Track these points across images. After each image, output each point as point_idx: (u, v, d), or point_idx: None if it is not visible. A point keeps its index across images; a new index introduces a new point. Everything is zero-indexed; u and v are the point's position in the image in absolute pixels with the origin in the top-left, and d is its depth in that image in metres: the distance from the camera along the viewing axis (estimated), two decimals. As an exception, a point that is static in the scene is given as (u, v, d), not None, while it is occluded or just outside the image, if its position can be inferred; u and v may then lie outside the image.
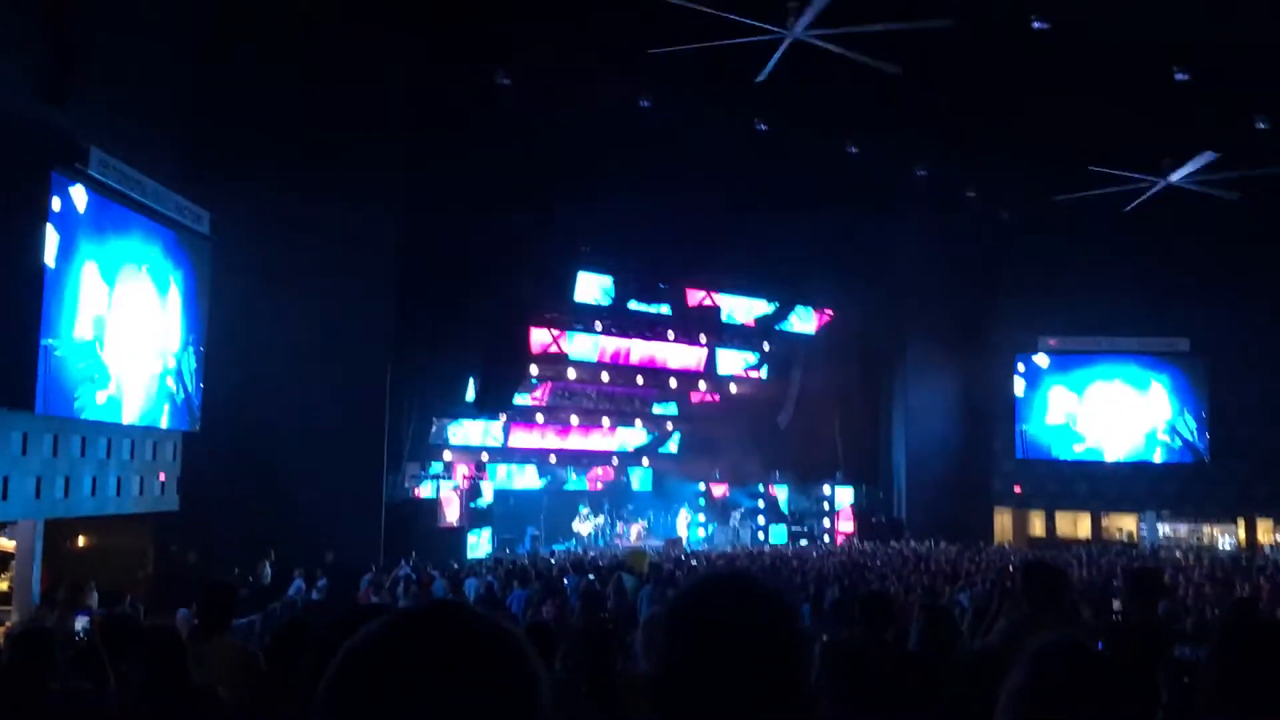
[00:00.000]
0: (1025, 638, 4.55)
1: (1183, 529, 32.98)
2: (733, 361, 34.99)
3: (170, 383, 20.32)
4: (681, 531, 33.69)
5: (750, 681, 1.70)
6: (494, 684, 1.23)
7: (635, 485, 36.04)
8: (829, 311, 34.48)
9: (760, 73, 19.75)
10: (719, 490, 35.18)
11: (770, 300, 34.01)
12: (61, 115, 16.64)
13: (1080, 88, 22.27)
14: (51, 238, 16.05)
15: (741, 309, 33.97)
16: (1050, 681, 2.04)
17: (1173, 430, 34.43)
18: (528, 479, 33.19)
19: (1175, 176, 25.03)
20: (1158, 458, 34.44)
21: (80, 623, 11.75)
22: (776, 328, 34.50)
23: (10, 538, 18.82)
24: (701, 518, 34.88)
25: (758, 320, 34.36)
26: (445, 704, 1.20)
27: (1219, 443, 33.44)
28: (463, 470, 29.43)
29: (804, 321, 34.73)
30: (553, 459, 33.60)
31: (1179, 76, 21.36)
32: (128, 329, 18.73)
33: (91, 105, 17.34)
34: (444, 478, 28.71)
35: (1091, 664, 2.00)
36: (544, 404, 33.08)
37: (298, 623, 4.57)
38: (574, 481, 34.46)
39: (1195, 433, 34.24)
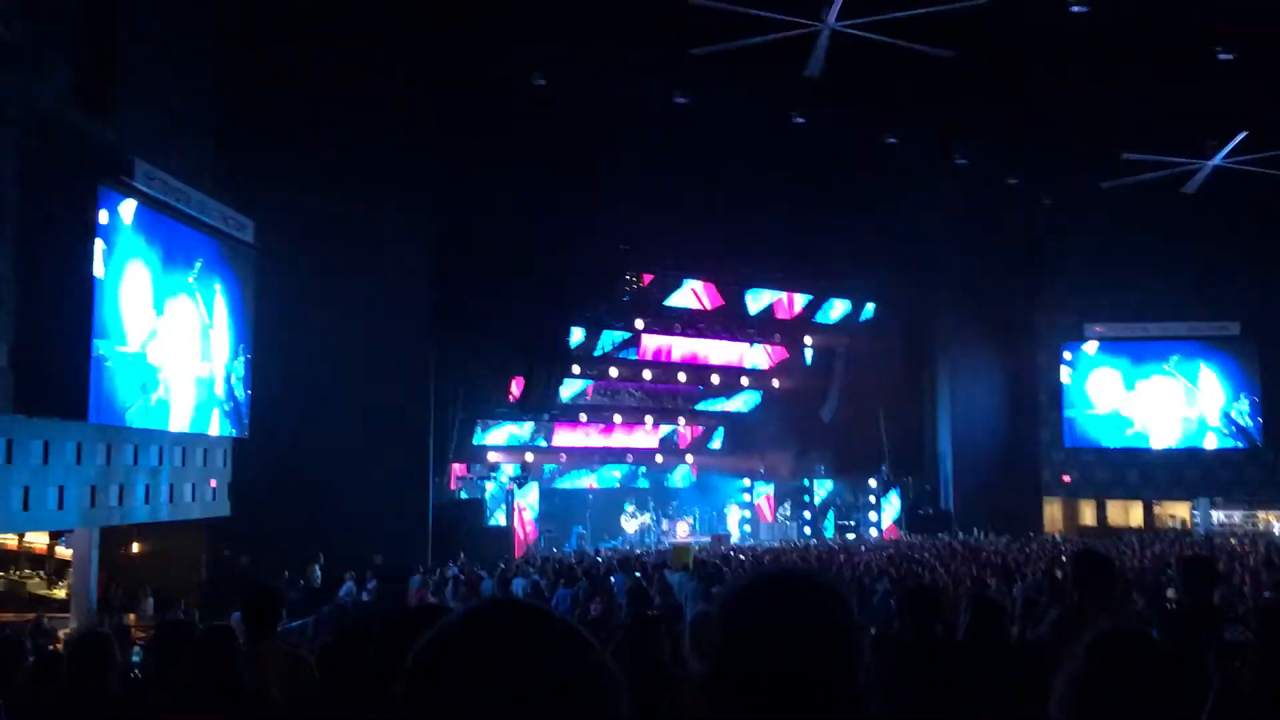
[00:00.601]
0: (1076, 628, 4.51)
1: (1237, 515, 32.45)
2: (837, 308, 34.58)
3: (219, 390, 20.57)
4: (732, 528, 33.70)
5: (805, 678, 1.69)
6: (586, 687, 1.24)
7: (678, 482, 36.07)
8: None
9: (808, 66, 19.62)
10: (762, 487, 35.13)
11: (809, 293, 33.85)
12: (106, 129, 16.91)
13: (1120, 70, 21.97)
14: (100, 250, 16.30)
15: (784, 302, 33.84)
16: (1107, 670, 2.03)
17: (1225, 416, 33.89)
18: (574, 477, 33.32)
19: (1219, 158, 24.63)
20: (1210, 444, 33.90)
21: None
22: (816, 320, 34.31)
23: (67, 546, 19.16)
24: (748, 514, 34.85)
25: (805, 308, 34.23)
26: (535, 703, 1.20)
27: (1272, 427, 32.89)
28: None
29: (852, 313, 34.50)
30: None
31: (1222, 56, 21.01)
32: (176, 338, 18.99)
33: (135, 118, 17.62)
34: (490, 478, 28.91)
35: (1147, 653, 1.99)
36: (589, 401, 33.21)
37: (350, 625, 4.61)
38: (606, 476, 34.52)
39: (1248, 417, 33.69)
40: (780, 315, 34.07)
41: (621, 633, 5.62)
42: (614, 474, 34.72)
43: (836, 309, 34.33)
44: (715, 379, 34.19)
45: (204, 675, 4.52)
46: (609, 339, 31.64)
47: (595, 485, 34.17)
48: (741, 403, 35.79)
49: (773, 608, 1.74)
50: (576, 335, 30.62)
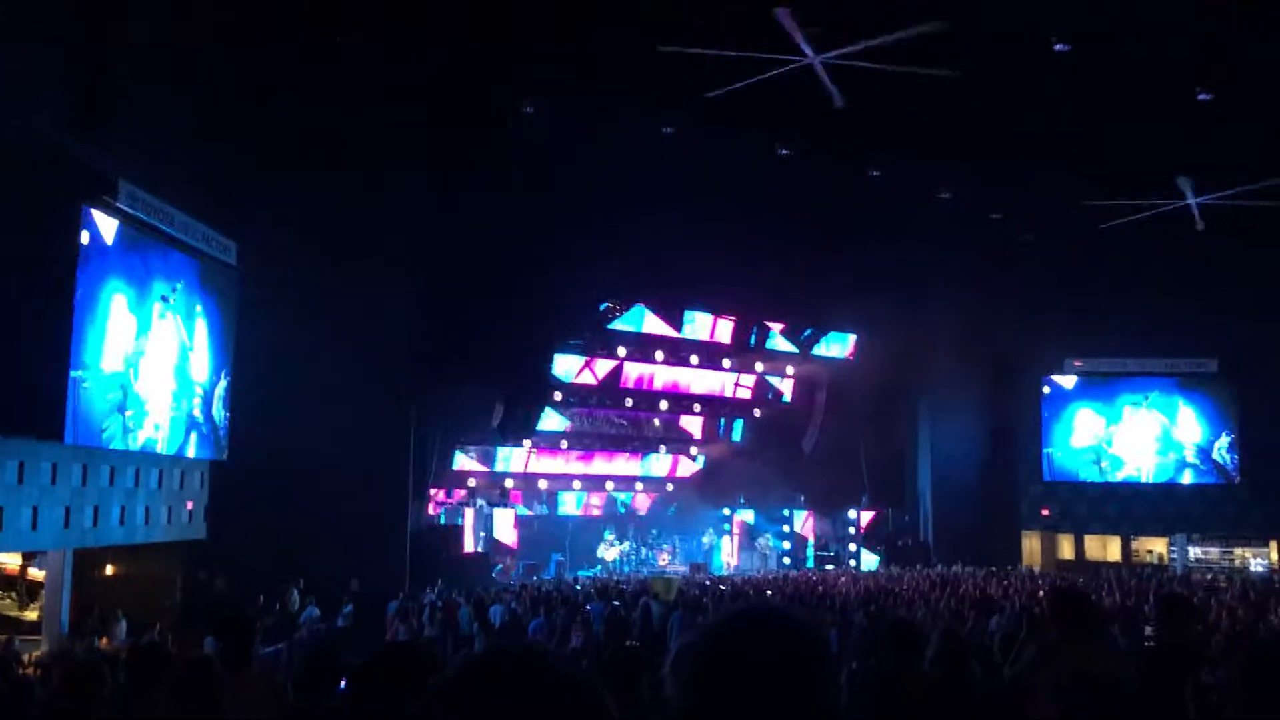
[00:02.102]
0: (1053, 665, 4.52)
1: (1214, 551, 32.59)
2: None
3: (197, 412, 20.46)
4: (728, 559, 33.76)
5: (779, 717, 1.69)
6: None
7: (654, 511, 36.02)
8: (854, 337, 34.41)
9: (833, 98, 19.70)
10: (742, 516, 35.10)
11: (794, 325, 33.92)
12: (91, 149, 16.86)
13: (1103, 108, 22.19)
14: (81, 270, 16.22)
15: (766, 333, 33.89)
16: (1078, 716, 2.03)
17: (1203, 452, 34.13)
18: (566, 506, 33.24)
19: (1197, 197, 24.89)
20: (1187, 479, 34.13)
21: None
22: (808, 353, 34.38)
23: (40, 567, 18.96)
24: (728, 543, 34.80)
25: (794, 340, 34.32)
26: None
27: (1249, 464, 33.14)
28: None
29: (836, 345, 34.54)
30: (577, 484, 33.66)
31: (1202, 96, 21.28)
32: (156, 359, 18.89)
33: (120, 138, 17.58)
34: (468, 504, 28.79)
35: (1116, 697, 2.00)
36: (570, 429, 33.13)
37: (325, 653, 4.58)
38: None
39: (1225, 454, 33.94)
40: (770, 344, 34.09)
41: (601, 664, 5.60)
42: (593, 502, 34.62)
43: (820, 344, 34.36)
44: (697, 408, 34.18)
45: (186, 705, 4.47)
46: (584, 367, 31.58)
47: (574, 511, 34.07)
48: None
49: (747, 647, 1.74)
50: (565, 364, 30.58)
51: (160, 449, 19.26)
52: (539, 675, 1.32)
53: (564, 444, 32.93)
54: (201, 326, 20.53)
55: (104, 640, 16.85)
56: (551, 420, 32.04)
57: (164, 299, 19.15)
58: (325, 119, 21.36)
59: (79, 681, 4.69)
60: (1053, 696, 2.12)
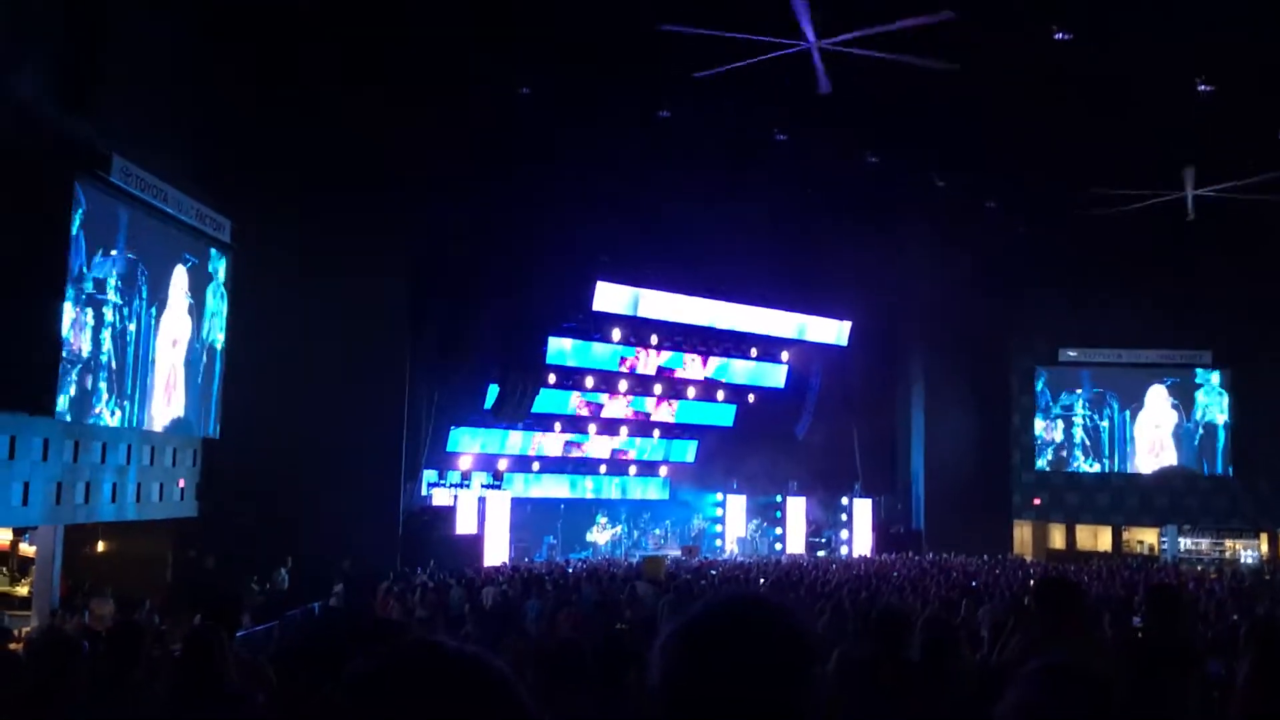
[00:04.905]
0: (1038, 654, 4.51)
1: (1204, 542, 32.72)
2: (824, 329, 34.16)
3: (190, 390, 20.42)
4: (720, 543, 33.84)
5: (761, 710, 1.68)
6: None
7: (651, 494, 36.04)
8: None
9: (819, 85, 19.61)
10: (734, 502, 35.14)
11: (789, 310, 33.82)
12: (84, 124, 16.77)
13: (1102, 98, 22.15)
14: (73, 245, 16.16)
15: (761, 319, 33.75)
16: (1037, 704, 2.03)
17: (1194, 444, 34.24)
18: (545, 488, 33.18)
19: (1194, 189, 24.87)
20: (1180, 471, 34.24)
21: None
22: (802, 339, 34.26)
23: (31, 543, 18.95)
24: (719, 528, 34.85)
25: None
26: None
27: (1241, 456, 33.26)
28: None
29: (831, 333, 34.42)
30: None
31: (1202, 87, 21.25)
32: (148, 336, 18.84)
33: (114, 114, 17.48)
34: (462, 485, 28.77)
35: (1079, 688, 2.00)
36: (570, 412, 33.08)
37: (309, 634, 4.56)
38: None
39: (1218, 446, 34.05)
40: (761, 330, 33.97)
41: (590, 648, 5.59)
42: (586, 484, 34.62)
43: (813, 331, 34.13)
44: (691, 392, 34.14)
45: (189, 675, 4.44)
46: (585, 351, 31.49)
47: (568, 493, 34.05)
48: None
49: (730, 637, 1.73)
50: (561, 345, 30.52)
51: (152, 426, 19.23)
52: (445, 672, 1.31)
53: (557, 426, 32.84)
54: (195, 304, 20.48)
55: (93, 616, 16.84)
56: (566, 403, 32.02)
57: (157, 276, 19.08)
58: (320, 97, 21.25)
59: (53, 657, 4.66)
60: (1019, 682, 2.12)
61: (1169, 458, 34.52)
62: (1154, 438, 34.63)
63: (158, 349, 19.17)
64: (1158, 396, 34.57)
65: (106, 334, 17.33)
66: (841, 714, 4.09)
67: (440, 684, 1.30)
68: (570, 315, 29.92)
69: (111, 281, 17.51)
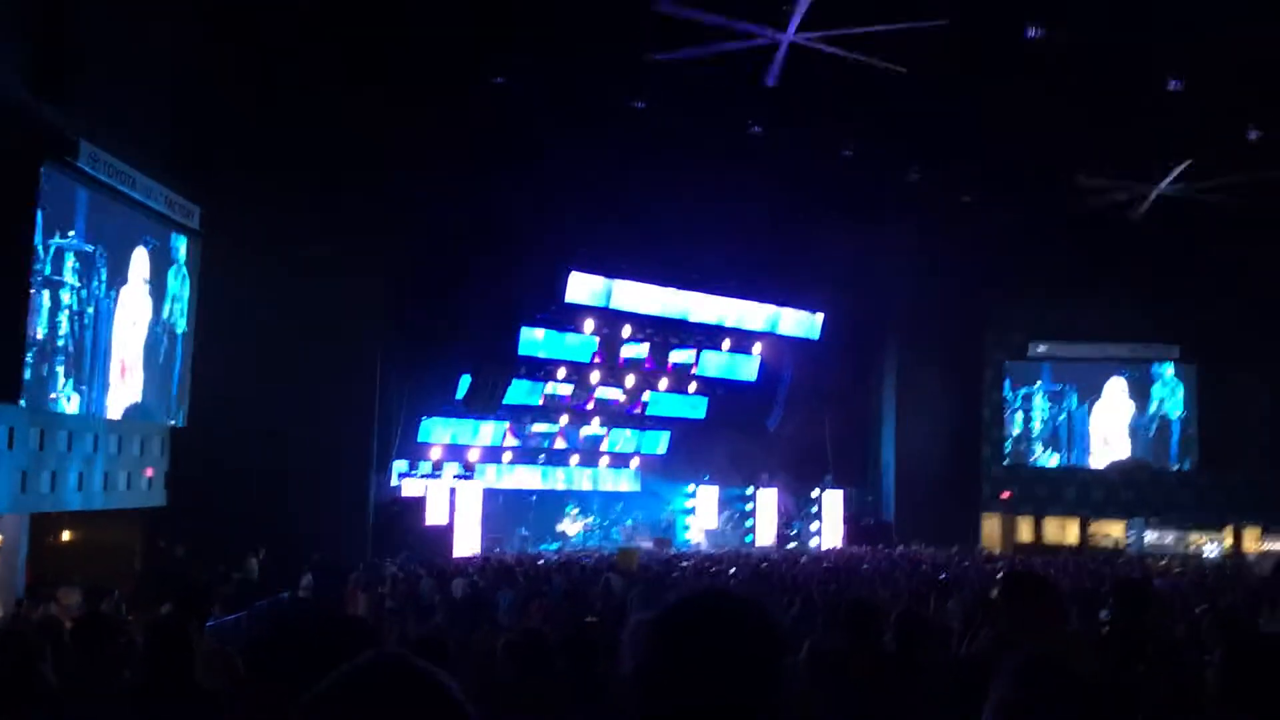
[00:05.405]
0: (1007, 649, 4.53)
1: (1170, 536, 33.05)
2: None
3: (158, 378, 20.24)
4: (691, 535, 33.80)
5: (730, 704, 1.69)
6: None
7: (623, 486, 36.06)
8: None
9: (768, 76, 19.67)
10: (705, 493, 35.17)
11: (762, 303, 33.84)
12: (52, 108, 16.57)
13: (1072, 94, 22.30)
14: (38, 231, 15.97)
15: (734, 311, 33.76)
16: (1032, 696, 2.04)
17: (1162, 438, 34.60)
18: (518, 478, 33.13)
19: (1165, 185, 25.12)
20: (1146, 464, 34.58)
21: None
22: (774, 331, 34.27)
23: (-5, 532, 18.72)
24: (690, 520, 34.89)
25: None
26: None
27: (1208, 450, 33.61)
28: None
29: (803, 326, 34.44)
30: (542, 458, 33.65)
31: (1172, 84, 21.43)
32: (115, 323, 18.66)
33: (82, 98, 17.27)
34: (433, 476, 28.68)
35: (1058, 682, 2.02)
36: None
37: (277, 626, 4.52)
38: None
39: (1185, 440, 34.42)
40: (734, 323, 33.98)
41: (560, 641, 5.59)
42: (558, 475, 34.58)
43: (786, 323, 34.16)
44: (664, 383, 34.13)
45: (155, 671, 4.36)
46: (558, 342, 31.41)
47: (540, 485, 34.02)
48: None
49: (699, 632, 1.74)
50: (533, 335, 30.43)
51: (119, 414, 19.05)
52: (401, 689, 1.36)
53: (528, 417, 32.77)
54: (162, 291, 20.29)
55: (59, 606, 16.67)
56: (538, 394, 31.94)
57: (125, 262, 18.89)
58: (294, 86, 21.09)
59: (15, 653, 4.60)
60: (1007, 676, 2.13)
61: (1123, 450, 34.90)
62: (1109, 429, 34.97)
63: (115, 331, 18.94)
64: (1116, 389, 34.94)
65: (64, 316, 17.12)
66: (814, 706, 4.10)
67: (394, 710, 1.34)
68: (543, 306, 29.86)
69: (69, 263, 17.30)
